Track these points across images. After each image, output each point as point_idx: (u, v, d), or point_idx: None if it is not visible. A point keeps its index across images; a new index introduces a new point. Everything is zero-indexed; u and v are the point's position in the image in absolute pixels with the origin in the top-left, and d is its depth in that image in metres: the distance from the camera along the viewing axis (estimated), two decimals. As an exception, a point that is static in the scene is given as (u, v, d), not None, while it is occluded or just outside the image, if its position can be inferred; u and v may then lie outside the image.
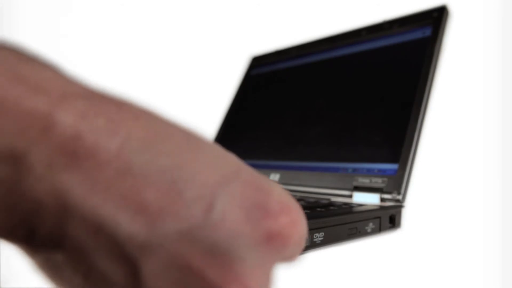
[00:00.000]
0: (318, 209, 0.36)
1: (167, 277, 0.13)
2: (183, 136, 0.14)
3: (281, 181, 0.50)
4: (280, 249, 0.14)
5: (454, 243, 0.34)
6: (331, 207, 0.37)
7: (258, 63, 0.68)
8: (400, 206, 0.38)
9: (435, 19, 0.45)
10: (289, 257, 0.16)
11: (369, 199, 0.40)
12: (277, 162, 0.53)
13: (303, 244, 0.16)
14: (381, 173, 0.41)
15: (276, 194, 0.14)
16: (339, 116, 0.50)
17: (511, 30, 0.60)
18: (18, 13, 0.81)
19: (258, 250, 0.14)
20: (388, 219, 0.37)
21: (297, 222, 0.15)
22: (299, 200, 0.42)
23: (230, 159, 0.15)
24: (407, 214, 0.39)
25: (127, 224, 0.13)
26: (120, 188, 0.13)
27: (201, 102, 0.83)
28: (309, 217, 0.30)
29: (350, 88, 0.51)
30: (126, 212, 0.13)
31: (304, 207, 0.36)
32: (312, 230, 0.30)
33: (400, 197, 0.38)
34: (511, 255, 0.31)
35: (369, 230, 0.35)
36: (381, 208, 0.37)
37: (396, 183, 0.39)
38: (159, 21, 0.88)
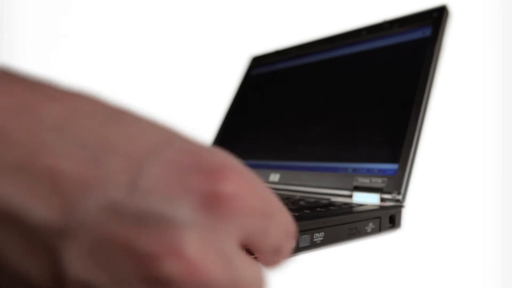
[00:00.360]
0: (318, 209, 0.36)
1: (94, 261, 0.12)
2: (107, 112, 0.13)
3: (281, 181, 0.50)
4: (225, 213, 0.12)
5: (454, 243, 0.34)
6: (331, 207, 0.37)
7: (258, 63, 0.68)
8: (400, 206, 0.38)
9: (435, 19, 0.45)
10: (267, 243, 0.14)
11: (369, 199, 0.40)
12: (277, 162, 0.53)
13: (267, 214, 0.14)
14: (381, 173, 0.41)
15: (212, 156, 0.13)
16: (339, 116, 0.50)
17: (511, 30, 0.60)
18: (18, 13, 0.80)
19: (198, 214, 0.12)
20: (388, 219, 0.37)
21: (239, 182, 0.13)
22: (299, 200, 0.42)
23: (161, 130, 0.14)
24: (407, 214, 0.39)
25: (40, 209, 0.11)
26: (31, 170, 0.11)
27: (201, 102, 0.83)
28: (309, 217, 0.30)
29: (350, 88, 0.51)
30: (38, 196, 0.11)
31: (304, 207, 0.36)
32: (312, 230, 0.30)
33: (400, 197, 0.38)
34: (511, 255, 0.31)
35: (369, 230, 0.35)
36: (381, 208, 0.37)
37: (396, 183, 0.39)
38: (159, 22, 0.88)
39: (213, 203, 0.12)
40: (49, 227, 0.11)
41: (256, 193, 0.13)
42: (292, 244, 0.16)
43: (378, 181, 0.41)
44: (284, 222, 0.15)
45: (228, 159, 0.13)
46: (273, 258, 0.16)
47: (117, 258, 0.12)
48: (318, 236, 0.30)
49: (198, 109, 0.82)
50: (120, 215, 0.12)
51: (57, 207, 0.11)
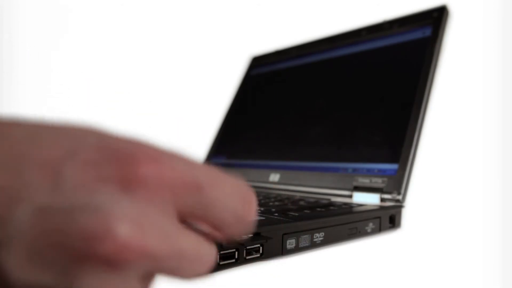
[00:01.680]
0: (318, 209, 0.36)
1: (35, 262, 0.12)
2: (22, 133, 0.14)
3: (281, 181, 0.50)
4: (146, 193, 0.14)
5: (454, 243, 0.34)
6: (331, 207, 0.37)
7: (258, 63, 0.68)
8: (400, 206, 0.38)
9: (435, 19, 0.45)
10: (198, 208, 0.15)
11: (369, 199, 0.40)
12: (277, 162, 0.53)
13: (193, 187, 0.15)
14: (381, 173, 0.41)
15: (124, 146, 0.14)
16: (339, 116, 0.50)
17: (511, 30, 0.60)
18: (18, 13, 0.80)
19: (120, 198, 0.13)
20: (388, 219, 0.37)
21: (154, 164, 0.14)
22: (299, 200, 0.42)
23: (75, 135, 0.15)
24: (407, 214, 0.39)
25: None
26: None
27: (201, 102, 0.83)
28: (309, 217, 0.30)
29: (350, 88, 0.51)
30: None
31: (304, 207, 0.36)
32: (312, 230, 0.30)
33: (400, 197, 0.38)
34: (511, 255, 0.31)
35: (369, 230, 0.35)
36: (381, 208, 0.37)
37: (396, 183, 0.39)
38: (159, 22, 0.88)
39: (132, 187, 0.13)
40: None
41: (175, 169, 0.14)
42: (252, 208, 0.16)
43: (378, 181, 0.41)
44: (230, 191, 0.16)
45: (140, 146, 0.14)
46: (236, 227, 0.16)
47: (56, 253, 0.12)
48: (318, 236, 0.30)
49: (198, 109, 0.82)
50: (50, 215, 0.13)
51: None
